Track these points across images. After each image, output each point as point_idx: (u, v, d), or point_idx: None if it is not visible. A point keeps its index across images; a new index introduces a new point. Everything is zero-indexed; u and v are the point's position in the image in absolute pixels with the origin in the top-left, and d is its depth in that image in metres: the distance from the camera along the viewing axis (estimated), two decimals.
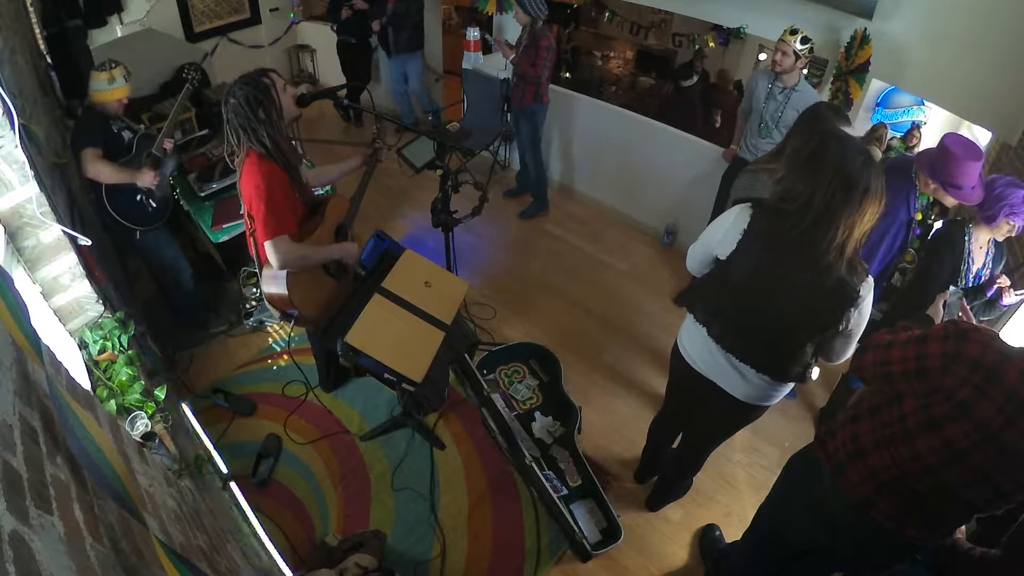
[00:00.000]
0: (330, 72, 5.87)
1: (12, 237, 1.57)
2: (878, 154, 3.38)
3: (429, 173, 2.72)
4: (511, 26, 4.57)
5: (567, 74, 6.59)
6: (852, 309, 1.61)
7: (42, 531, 0.73)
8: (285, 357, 3.20)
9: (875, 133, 3.61)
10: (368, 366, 1.96)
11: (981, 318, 2.23)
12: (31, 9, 2.91)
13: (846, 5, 3.10)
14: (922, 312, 2.06)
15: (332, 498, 2.58)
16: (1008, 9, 2.61)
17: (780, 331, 1.73)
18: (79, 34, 3.45)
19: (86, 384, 1.61)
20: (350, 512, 2.53)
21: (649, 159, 4.15)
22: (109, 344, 1.81)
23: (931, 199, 2.35)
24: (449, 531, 2.47)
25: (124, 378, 1.73)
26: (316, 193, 2.44)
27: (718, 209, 3.54)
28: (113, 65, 2.55)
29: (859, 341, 1.73)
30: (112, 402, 1.63)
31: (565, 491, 2.52)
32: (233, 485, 2.37)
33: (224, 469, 2.42)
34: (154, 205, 2.75)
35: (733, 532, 2.45)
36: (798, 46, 2.88)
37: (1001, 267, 2.29)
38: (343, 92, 4.85)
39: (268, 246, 1.97)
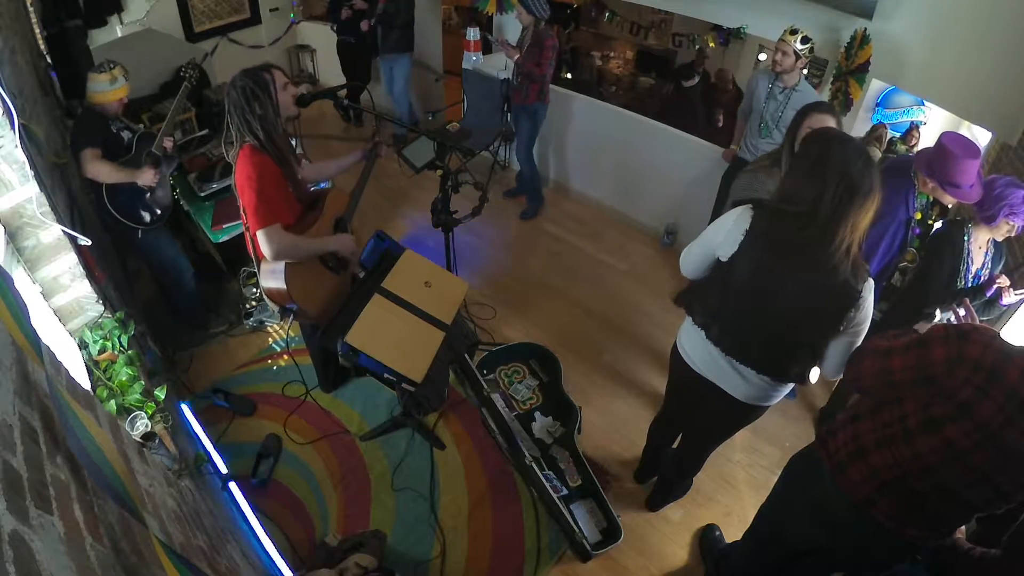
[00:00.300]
0: (330, 72, 5.87)
1: (12, 237, 1.57)
2: (877, 154, 3.38)
3: (429, 173, 2.72)
4: (511, 26, 4.58)
5: (567, 75, 6.60)
6: (853, 310, 1.61)
7: (42, 531, 0.73)
8: (285, 357, 3.20)
9: (875, 133, 3.61)
10: (368, 366, 1.96)
11: (981, 318, 2.23)
12: (31, 9, 2.91)
13: (846, 5, 3.10)
14: (917, 320, 2.06)
15: (332, 498, 2.58)
16: (1008, 9, 2.61)
17: (781, 332, 1.73)
18: (79, 34, 3.45)
19: (86, 384, 1.61)
20: (350, 512, 2.53)
21: (649, 159, 4.15)
22: (109, 344, 1.81)
23: (930, 198, 2.35)
24: (449, 531, 2.47)
25: (124, 378, 1.73)
26: (319, 187, 2.45)
27: (718, 209, 3.54)
28: (111, 66, 2.56)
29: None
30: (112, 402, 1.63)
31: (565, 491, 2.52)
32: (233, 485, 2.38)
33: (224, 469, 2.43)
34: (158, 211, 2.76)
35: (733, 532, 2.45)
36: (799, 46, 2.88)
37: (1000, 267, 2.29)
38: (343, 92, 4.87)
39: (261, 235, 1.97)
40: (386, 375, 1.96)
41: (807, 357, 1.77)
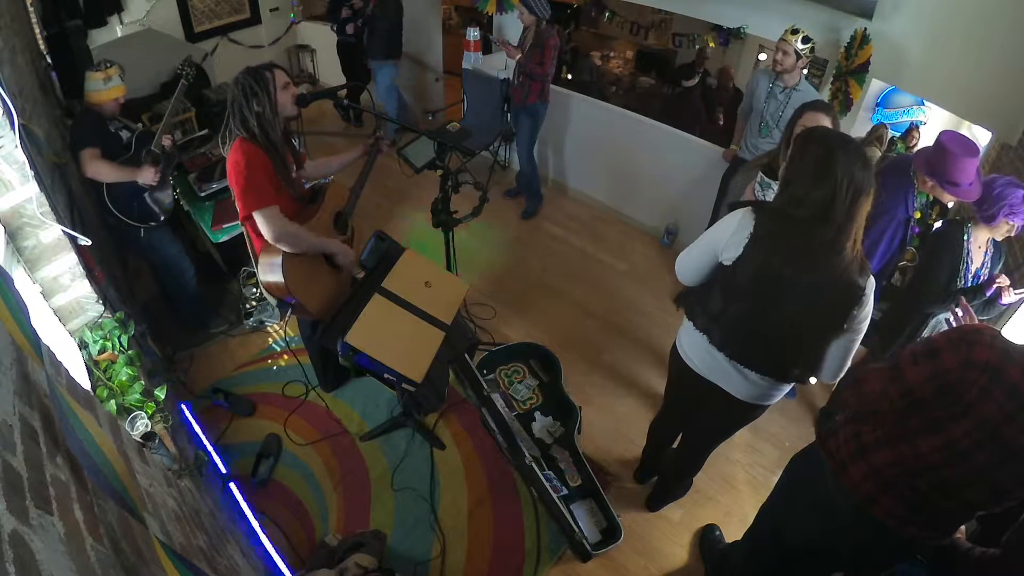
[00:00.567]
0: (330, 72, 5.87)
1: (12, 237, 1.57)
2: (877, 154, 3.38)
3: (429, 173, 2.72)
4: (511, 26, 4.58)
5: (568, 75, 6.60)
6: (856, 307, 1.63)
7: (42, 531, 0.73)
8: (285, 357, 3.20)
9: (875, 133, 3.61)
10: (368, 366, 1.96)
11: (981, 317, 2.23)
12: (31, 9, 2.91)
13: (846, 5, 3.10)
14: (917, 319, 2.06)
15: (332, 498, 2.58)
16: (1008, 9, 2.61)
17: (784, 334, 1.73)
18: (79, 34, 3.45)
19: (86, 384, 1.61)
20: (350, 512, 2.53)
21: (649, 159, 4.15)
22: (109, 344, 1.81)
23: (930, 198, 2.35)
24: (449, 531, 2.47)
25: (124, 378, 1.73)
26: (320, 183, 2.46)
27: (718, 209, 3.54)
28: (107, 65, 2.56)
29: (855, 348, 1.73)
30: (112, 402, 1.64)
31: (565, 491, 2.52)
32: (233, 485, 2.38)
33: (224, 469, 2.43)
34: (159, 210, 2.76)
35: (733, 532, 2.45)
36: (799, 45, 2.88)
37: (1000, 267, 2.29)
38: (343, 92, 4.87)
39: (258, 216, 1.98)
40: (386, 375, 1.96)
41: (809, 357, 1.77)
